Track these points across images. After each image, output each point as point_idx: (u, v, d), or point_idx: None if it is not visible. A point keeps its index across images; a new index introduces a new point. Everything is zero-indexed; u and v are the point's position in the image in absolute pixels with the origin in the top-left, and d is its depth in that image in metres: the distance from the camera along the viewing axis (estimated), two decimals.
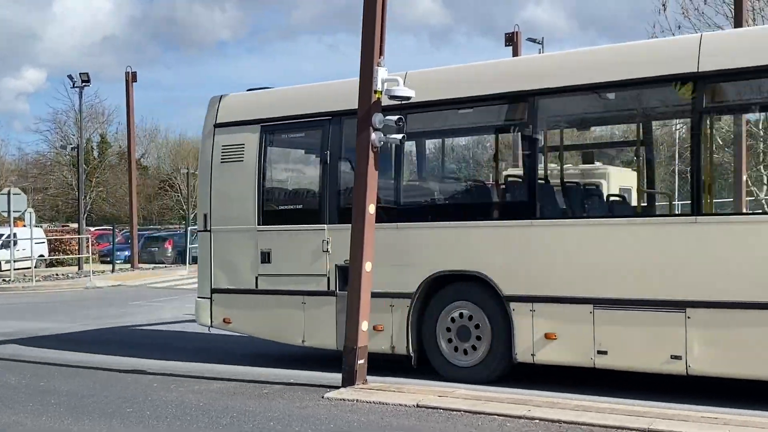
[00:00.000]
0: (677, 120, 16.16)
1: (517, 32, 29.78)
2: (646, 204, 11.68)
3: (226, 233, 13.15)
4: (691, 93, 9.77)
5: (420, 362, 11.47)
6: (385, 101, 10.57)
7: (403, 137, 10.62)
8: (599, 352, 10.14)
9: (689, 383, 10.08)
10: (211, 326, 13.39)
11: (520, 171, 11.54)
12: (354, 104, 11.39)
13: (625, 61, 10.25)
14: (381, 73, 10.41)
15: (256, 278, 12.83)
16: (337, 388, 10.42)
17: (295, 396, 10.37)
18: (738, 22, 16.99)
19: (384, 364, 11.54)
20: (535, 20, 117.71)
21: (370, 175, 10.46)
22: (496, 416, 8.93)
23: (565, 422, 8.59)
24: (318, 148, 12.46)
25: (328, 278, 12.15)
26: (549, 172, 11.58)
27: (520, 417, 8.83)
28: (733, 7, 18.92)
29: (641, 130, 11.66)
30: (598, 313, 10.11)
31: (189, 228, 42.28)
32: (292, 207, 12.90)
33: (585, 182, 12.64)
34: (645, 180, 11.62)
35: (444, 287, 11.34)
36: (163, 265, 42.65)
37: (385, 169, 11.72)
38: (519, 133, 11.20)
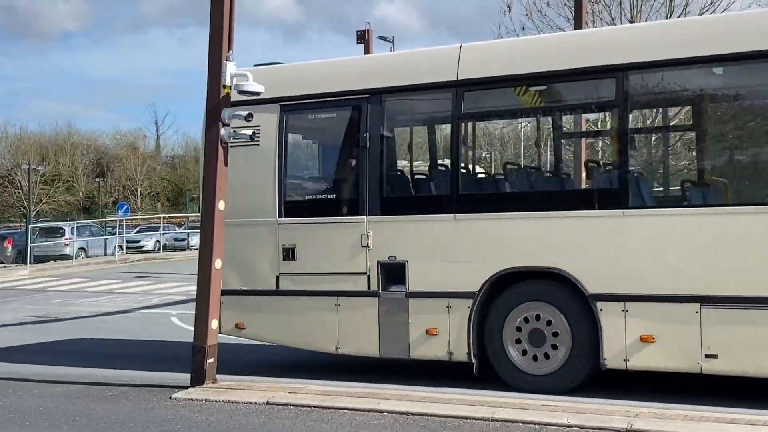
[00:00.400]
0: None
1: (368, 30, 29.06)
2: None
3: (239, 227, 11.54)
4: None
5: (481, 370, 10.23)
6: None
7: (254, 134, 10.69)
8: (708, 356, 9.08)
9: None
10: (221, 332, 11.77)
11: (609, 155, 10.37)
12: (398, 80, 10.20)
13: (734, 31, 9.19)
14: (230, 68, 10.44)
15: (277, 278, 11.30)
16: (186, 388, 10.22)
17: (142, 397, 10.08)
18: (578, 25, 17.03)
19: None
20: (387, 18, 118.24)
21: (219, 172, 10.46)
22: (345, 410, 9.04)
23: (412, 414, 8.80)
24: (354, 130, 11.02)
25: (368, 277, 10.73)
26: (641, 155, 10.46)
27: (369, 410, 8.98)
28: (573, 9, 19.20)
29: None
30: (706, 312, 9.06)
31: (30, 226, 41.34)
32: (322, 197, 11.38)
33: (686, 166, 11.56)
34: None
35: (510, 286, 10.10)
36: (2, 265, 41.23)
37: (439, 152, 10.47)
38: (607, 113, 10.07)
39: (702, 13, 21.36)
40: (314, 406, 9.22)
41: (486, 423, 8.38)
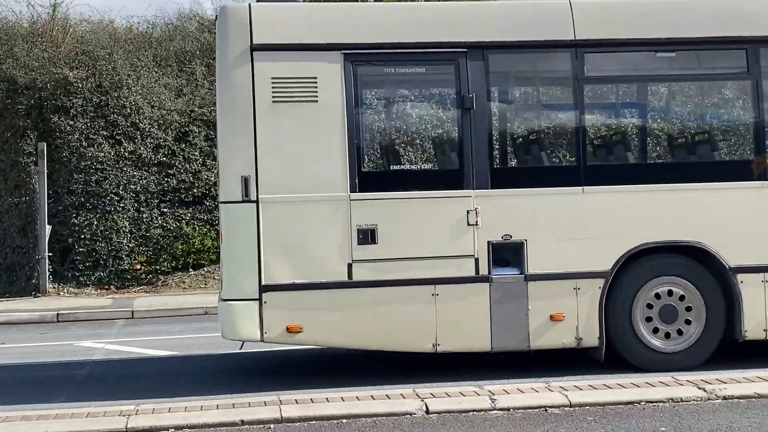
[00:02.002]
0: None
1: None
2: None
3: (291, 205, 9.14)
4: None
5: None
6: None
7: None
8: None
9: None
10: (263, 339, 9.22)
11: (743, 128, 10.12)
12: (511, 34, 9.12)
13: None
14: None
15: (350, 266, 9.19)
16: None
17: None
18: None
19: None
20: None
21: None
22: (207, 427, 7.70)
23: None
24: (451, 88, 9.38)
25: (477, 259, 9.28)
26: None
27: (230, 424, 7.74)
28: None
29: None
30: None
31: None
32: (413, 167, 9.52)
33: None
34: None
35: (635, 263, 9.52)
36: None
37: (566, 118, 9.40)
38: (741, 84, 9.87)
39: None
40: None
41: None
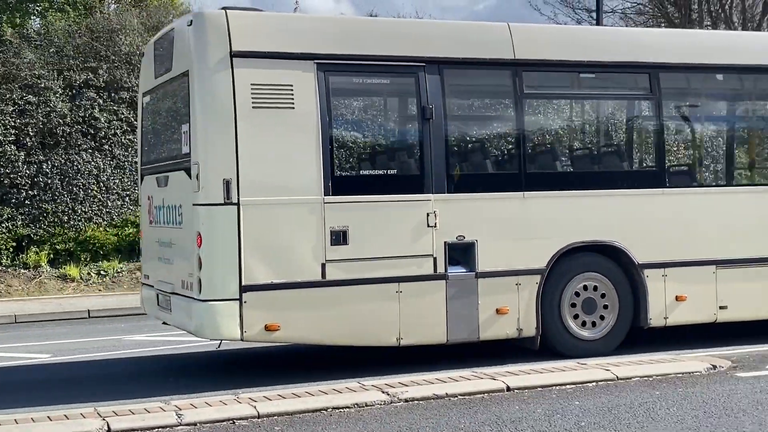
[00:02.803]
0: None
1: None
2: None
3: (270, 207, 9.42)
4: None
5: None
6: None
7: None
8: (720, 308, 11.18)
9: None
10: (243, 338, 9.38)
11: (652, 140, 11.36)
12: (463, 51, 10.09)
13: None
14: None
15: (323, 266, 9.60)
16: None
17: None
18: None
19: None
20: None
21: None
22: None
23: None
24: (413, 100, 10.02)
25: (435, 259, 10.01)
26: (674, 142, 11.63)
27: None
28: None
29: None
30: (720, 272, 11.16)
31: None
32: (381, 172, 9.95)
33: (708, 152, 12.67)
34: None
35: (566, 260, 10.62)
36: None
37: (510, 130, 10.33)
38: (648, 104, 11.17)
39: None
40: None
41: None
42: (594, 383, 8.92)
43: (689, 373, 9.31)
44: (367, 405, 8.22)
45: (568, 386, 8.83)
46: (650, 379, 9.10)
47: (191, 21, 9.61)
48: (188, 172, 9.62)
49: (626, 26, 32.58)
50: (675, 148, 12.07)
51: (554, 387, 8.81)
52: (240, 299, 9.35)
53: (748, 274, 11.24)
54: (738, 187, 11.90)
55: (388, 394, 8.41)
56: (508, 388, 8.69)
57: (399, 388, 8.58)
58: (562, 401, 8.27)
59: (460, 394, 8.53)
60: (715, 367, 9.47)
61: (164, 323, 10.97)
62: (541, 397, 8.48)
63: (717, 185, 12.01)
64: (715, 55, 11.38)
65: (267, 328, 9.46)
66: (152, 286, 10.97)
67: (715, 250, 11.14)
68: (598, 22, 20.65)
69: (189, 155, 9.59)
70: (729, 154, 12.16)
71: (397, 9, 74.72)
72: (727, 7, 32.02)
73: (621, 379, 9.06)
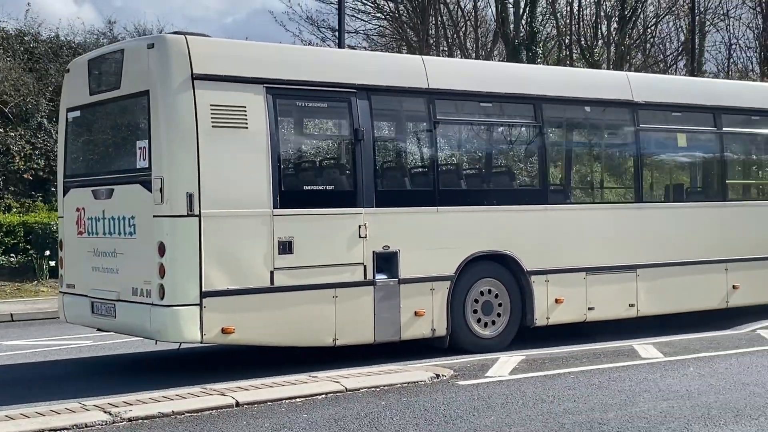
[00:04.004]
0: None
1: None
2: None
3: (227, 219, 10.14)
4: None
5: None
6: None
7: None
8: (589, 309, 12.87)
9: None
10: (202, 341, 10.00)
11: (537, 162, 12.74)
12: (387, 80, 11.35)
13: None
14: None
15: (272, 273, 10.44)
16: None
17: None
18: None
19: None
20: None
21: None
22: None
23: None
24: (346, 122, 11.00)
25: (365, 266, 11.06)
26: (556, 164, 13.05)
27: None
28: None
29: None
30: (589, 278, 12.86)
31: None
32: (321, 188, 10.81)
33: (579, 173, 13.94)
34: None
35: (469, 268, 11.92)
36: None
37: (426, 152, 11.52)
38: (533, 130, 12.65)
39: None
40: None
41: None
42: (323, 395, 9.04)
43: (414, 382, 9.67)
44: (87, 426, 7.88)
45: (298, 399, 8.88)
46: (377, 389, 9.36)
47: (152, 44, 10.21)
48: (145, 185, 10.22)
49: (370, 48, 33.63)
50: (554, 170, 13.74)
51: (284, 401, 8.82)
52: (200, 304, 10.04)
53: (610, 279, 13.05)
54: (601, 204, 13.74)
55: (111, 414, 8.13)
56: (237, 404, 8.63)
57: (122, 407, 8.31)
58: (291, 415, 8.33)
59: (188, 412, 8.37)
60: (438, 376, 9.89)
61: (99, 329, 11.38)
62: (270, 411, 8.50)
63: (585, 202, 13.81)
64: (587, 90, 13.17)
65: (224, 331, 10.19)
66: (81, 295, 11.32)
67: (585, 259, 12.86)
68: (340, 42, 19.76)
69: (148, 169, 10.19)
70: (595, 175, 14.01)
71: (139, 17, 74.81)
72: (461, 33, 34.72)
73: (350, 390, 9.22)
